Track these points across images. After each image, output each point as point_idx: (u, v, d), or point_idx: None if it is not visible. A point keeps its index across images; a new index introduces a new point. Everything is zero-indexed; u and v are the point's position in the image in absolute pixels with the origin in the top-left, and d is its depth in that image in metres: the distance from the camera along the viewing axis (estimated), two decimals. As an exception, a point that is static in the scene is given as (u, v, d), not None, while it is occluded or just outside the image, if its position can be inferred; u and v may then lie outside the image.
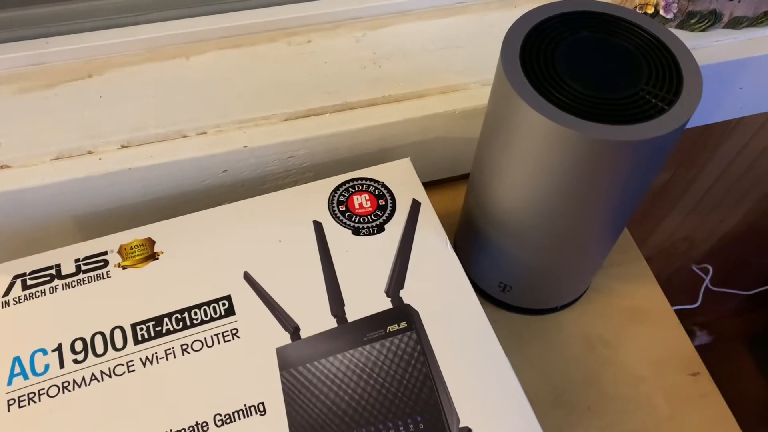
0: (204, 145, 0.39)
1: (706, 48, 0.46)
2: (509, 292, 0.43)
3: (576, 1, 0.34)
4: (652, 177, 0.35)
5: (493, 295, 0.44)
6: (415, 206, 0.39)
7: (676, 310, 0.94)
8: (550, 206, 0.34)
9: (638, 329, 0.44)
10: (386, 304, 0.35)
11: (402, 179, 0.40)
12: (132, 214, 0.40)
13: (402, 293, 0.36)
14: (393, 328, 0.34)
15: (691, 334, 1.15)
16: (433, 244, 0.38)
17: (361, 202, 0.39)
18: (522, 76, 0.31)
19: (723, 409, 0.41)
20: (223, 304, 0.35)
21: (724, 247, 0.82)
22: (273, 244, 0.37)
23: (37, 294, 0.35)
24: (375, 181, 0.40)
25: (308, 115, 0.41)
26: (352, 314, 0.35)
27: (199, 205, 0.41)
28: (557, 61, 0.32)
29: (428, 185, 0.47)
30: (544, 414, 0.38)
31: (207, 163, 0.39)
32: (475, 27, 0.46)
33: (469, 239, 0.42)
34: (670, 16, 0.45)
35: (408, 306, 0.35)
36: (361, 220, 0.38)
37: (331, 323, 0.34)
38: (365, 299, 0.35)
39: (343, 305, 0.35)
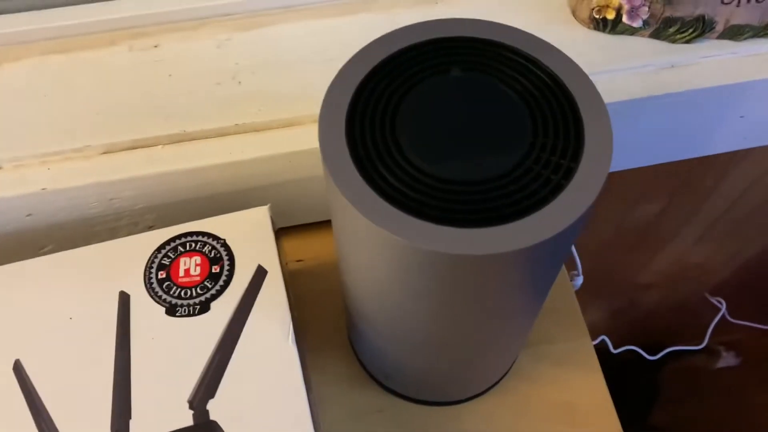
0: (-7, 185, 0.30)
1: (689, 66, 0.35)
2: (393, 381, 0.33)
3: (446, 22, 0.24)
4: (557, 269, 0.25)
5: (379, 380, 0.34)
6: (258, 277, 0.30)
7: (679, 351, 0.82)
8: (410, 314, 0.25)
9: (567, 434, 0.34)
10: (187, 418, 0.27)
11: (251, 236, 0.31)
12: None
13: (211, 404, 0.27)
14: (186, 456, 0.26)
15: (716, 355, 1.03)
16: (271, 333, 0.28)
17: (189, 267, 0.30)
18: (344, 147, 0.21)
19: None
20: (-23, 406, 0.27)
21: (741, 279, 0.70)
22: (62, 321, 0.29)
23: None
24: (214, 237, 0.31)
25: (134, 147, 0.31)
26: (139, 431, 0.26)
27: (12, 251, 0.33)
28: (401, 121, 0.22)
29: (317, 224, 0.38)
30: None
31: (2, 207, 0.31)
32: (381, 30, 0.35)
33: (347, 312, 0.33)
34: (637, 24, 0.33)
35: (212, 424, 0.26)
36: (182, 293, 0.29)
37: (107, 444, 0.26)
38: (162, 410, 0.27)
39: (129, 418, 0.27)
